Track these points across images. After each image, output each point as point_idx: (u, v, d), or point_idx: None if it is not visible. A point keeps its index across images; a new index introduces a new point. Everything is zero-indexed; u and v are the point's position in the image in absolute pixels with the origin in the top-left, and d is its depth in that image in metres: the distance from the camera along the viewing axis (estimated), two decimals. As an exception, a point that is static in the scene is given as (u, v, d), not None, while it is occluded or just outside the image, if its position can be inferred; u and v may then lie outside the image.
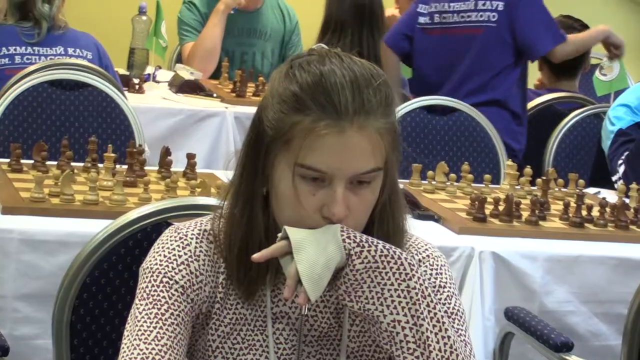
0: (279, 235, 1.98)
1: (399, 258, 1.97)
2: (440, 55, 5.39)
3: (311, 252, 1.93)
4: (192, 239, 2.06)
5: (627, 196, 4.04)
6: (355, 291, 1.96)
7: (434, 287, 2.06)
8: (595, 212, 3.82)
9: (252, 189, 2.04)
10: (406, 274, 1.96)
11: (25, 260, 3.09)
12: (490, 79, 5.23)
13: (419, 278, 1.97)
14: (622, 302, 3.24)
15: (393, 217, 2.08)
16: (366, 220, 2.03)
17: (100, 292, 2.54)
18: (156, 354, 1.94)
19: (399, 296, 1.96)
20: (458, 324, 2.05)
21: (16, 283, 3.08)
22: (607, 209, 3.83)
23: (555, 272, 3.51)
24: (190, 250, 2.05)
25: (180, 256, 2.04)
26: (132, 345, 1.96)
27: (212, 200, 2.59)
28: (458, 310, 2.08)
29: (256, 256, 1.97)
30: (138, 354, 1.94)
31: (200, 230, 2.08)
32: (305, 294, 1.93)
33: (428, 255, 2.12)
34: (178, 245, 2.05)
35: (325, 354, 2.08)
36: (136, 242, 2.54)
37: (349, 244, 1.96)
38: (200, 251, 2.06)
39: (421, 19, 5.43)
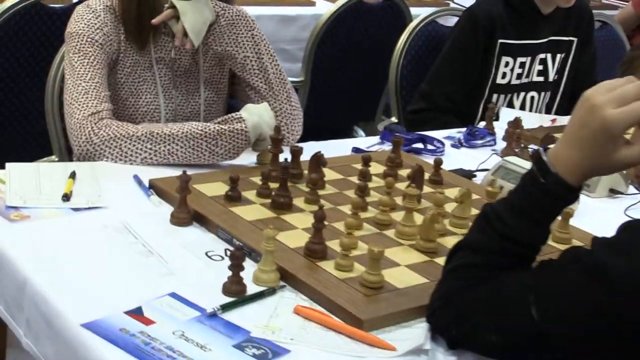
0: (166, 6, 1.71)
1: (245, 17, 1.79)
2: None
3: (192, 15, 1.69)
4: (101, 12, 1.73)
5: None
6: (220, 39, 1.76)
7: (265, 35, 1.86)
8: None
9: None
10: (250, 27, 1.78)
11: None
12: None
13: (257, 30, 1.80)
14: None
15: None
16: None
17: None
18: (93, 87, 1.67)
19: (248, 41, 1.77)
20: (275, 57, 1.86)
21: None
22: None
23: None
24: (101, 20, 1.72)
25: (95, 24, 1.71)
26: (75, 84, 1.67)
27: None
28: (273, 51, 1.87)
29: (154, 20, 1.70)
30: (82, 88, 1.66)
31: (105, 6, 1.74)
32: (190, 42, 1.71)
33: (254, 19, 1.87)
34: (92, 17, 1.72)
35: (190, 82, 1.83)
36: (19, 18, 2.15)
37: (216, 8, 1.74)
38: (108, 19, 1.73)
39: None
